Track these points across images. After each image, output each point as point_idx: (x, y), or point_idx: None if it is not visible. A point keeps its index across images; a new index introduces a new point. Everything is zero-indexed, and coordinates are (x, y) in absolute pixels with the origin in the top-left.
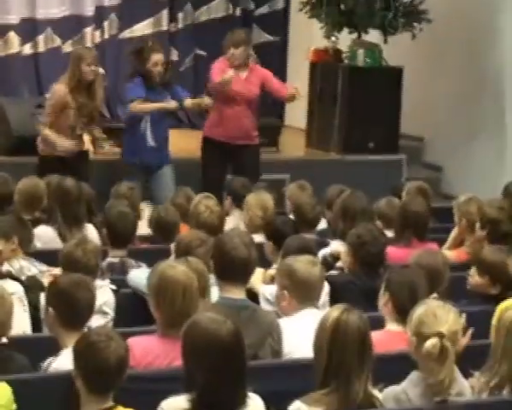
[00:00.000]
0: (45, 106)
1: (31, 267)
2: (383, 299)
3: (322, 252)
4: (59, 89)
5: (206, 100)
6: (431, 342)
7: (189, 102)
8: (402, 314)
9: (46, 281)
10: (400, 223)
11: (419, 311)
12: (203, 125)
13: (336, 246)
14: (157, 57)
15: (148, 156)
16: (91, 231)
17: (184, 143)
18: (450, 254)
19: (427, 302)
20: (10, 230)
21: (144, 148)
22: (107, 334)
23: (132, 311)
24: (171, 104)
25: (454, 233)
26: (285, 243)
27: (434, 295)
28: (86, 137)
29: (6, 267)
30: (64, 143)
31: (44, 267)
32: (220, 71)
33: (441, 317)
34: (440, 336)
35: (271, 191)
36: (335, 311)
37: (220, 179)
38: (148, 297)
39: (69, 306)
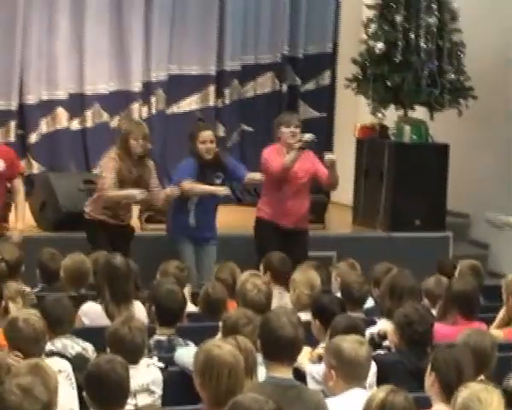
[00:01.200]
0: (101, 177)
1: (74, 345)
2: (430, 379)
3: (370, 331)
4: (108, 157)
5: (258, 175)
6: None
7: (248, 177)
8: (449, 394)
9: None
10: (445, 301)
11: (463, 394)
12: (250, 201)
13: (383, 325)
14: (205, 135)
15: (191, 233)
16: (139, 308)
17: (231, 219)
18: (499, 333)
19: (471, 386)
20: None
21: (187, 226)
22: None
23: (180, 389)
24: (221, 190)
25: (502, 312)
26: (333, 321)
27: (482, 377)
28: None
29: (49, 347)
30: (133, 192)
31: (89, 345)
32: (276, 153)
33: (486, 400)
34: None
35: (321, 269)
36: (381, 392)
37: None
38: (194, 376)
39: (98, 388)
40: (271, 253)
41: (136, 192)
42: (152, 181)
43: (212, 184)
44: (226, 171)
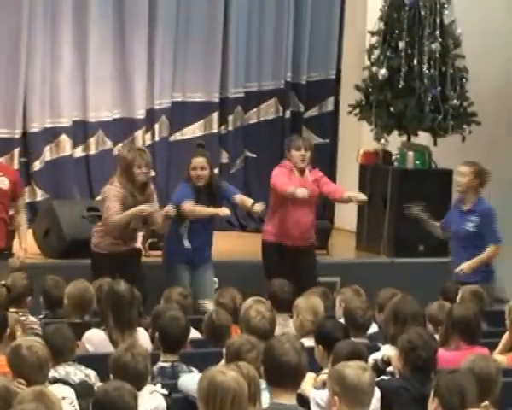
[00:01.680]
0: (105, 205)
1: (77, 372)
2: (433, 405)
3: (374, 356)
4: (109, 187)
5: (258, 207)
6: None
7: (238, 197)
8: None
9: None
10: (446, 326)
11: None
12: (253, 227)
13: (387, 350)
14: (196, 161)
15: (187, 257)
16: (143, 335)
17: (234, 245)
18: (502, 358)
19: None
20: None
21: (182, 250)
22: None
23: None
24: (221, 211)
25: (505, 338)
26: (335, 347)
27: (486, 403)
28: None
29: (52, 374)
30: (141, 206)
31: (92, 372)
32: (287, 174)
33: None
34: None
35: (327, 295)
36: None
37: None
38: (198, 402)
39: None
40: (273, 280)
41: (144, 206)
42: (152, 197)
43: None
44: (220, 192)
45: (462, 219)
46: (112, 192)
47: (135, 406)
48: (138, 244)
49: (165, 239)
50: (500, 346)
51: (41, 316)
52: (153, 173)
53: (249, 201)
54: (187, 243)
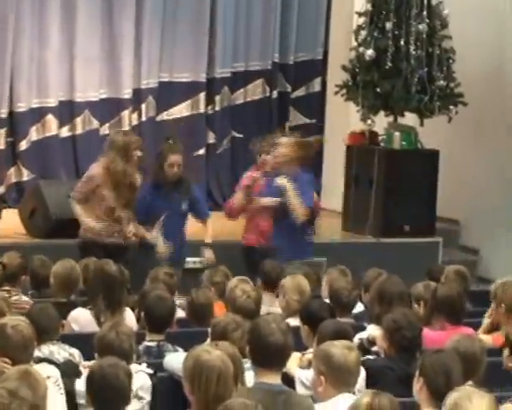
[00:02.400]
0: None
1: (60, 351)
2: (418, 384)
3: (359, 336)
4: (95, 167)
5: (207, 253)
6: None
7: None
8: (437, 399)
9: (85, 372)
10: (431, 307)
11: (455, 395)
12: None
13: (373, 330)
14: (173, 158)
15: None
16: (129, 315)
17: (222, 226)
18: (487, 338)
19: (465, 388)
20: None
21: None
22: None
23: (169, 395)
24: (152, 235)
25: (488, 317)
26: (320, 327)
27: (470, 382)
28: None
29: (36, 353)
30: (90, 224)
31: (76, 351)
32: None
33: (476, 402)
34: None
35: (312, 275)
36: (366, 396)
37: None
38: (183, 381)
39: (98, 391)
40: (265, 261)
41: (95, 225)
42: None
43: (171, 205)
44: (188, 195)
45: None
46: (92, 172)
47: (129, 383)
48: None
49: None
50: (484, 326)
51: (27, 295)
52: (139, 153)
53: (206, 236)
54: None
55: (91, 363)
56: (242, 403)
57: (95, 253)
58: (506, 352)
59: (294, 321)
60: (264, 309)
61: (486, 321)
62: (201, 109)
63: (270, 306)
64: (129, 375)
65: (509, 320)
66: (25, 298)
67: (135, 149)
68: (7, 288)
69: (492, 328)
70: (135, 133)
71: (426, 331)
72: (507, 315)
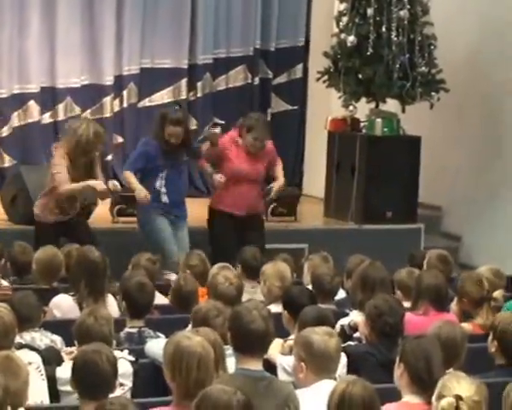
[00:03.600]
0: (53, 170)
1: (42, 338)
2: (398, 370)
3: (341, 322)
4: (58, 151)
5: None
6: (447, 401)
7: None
8: (418, 385)
9: (66, 358)
10: (416, 293)
11: (445, 377)
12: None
13: (356, 316)
14: (171, 130)
15: (164, 211)
16: (111, 301)
17: (203, 212)
18: (467, 326)
19: (456, 372)
20: None
21: (158, 205)
22: (122, 403)
23: (150, 381)
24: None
25: (454, 308)
26: (301, 313)
27: (451, 369)
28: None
29: (17, 340)
30: (92, 183)
31: (58, 337)
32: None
33: (464, 385)
34: (458, 398)
35: (291, 261)
36: (342, 383)
37: (231, 248)
38: (164, 367)
39: (82, 376)
40: (244, 248)
41: (96, 183)
42: (97, 171)
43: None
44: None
45: None
46: (59, 160)
47: (113, 369)
48: (103, 212)
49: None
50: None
51: (9, 281)
52: (120, 140)
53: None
54: (165, 198)
55: (72, 349)
56: (221, 389)
57: (46, 231)
58: (490, 337)
59: (276, 307)
60: (246, 297)
61: (454, 309)
62: (183, 96)
63: (254, 294)
64: (113, 361)
65: (476, 311)
66: (5, 283)
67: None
68: None
69: (462, 315)
70: (116, 119)
71: (409, 316)
72: (471, 306)
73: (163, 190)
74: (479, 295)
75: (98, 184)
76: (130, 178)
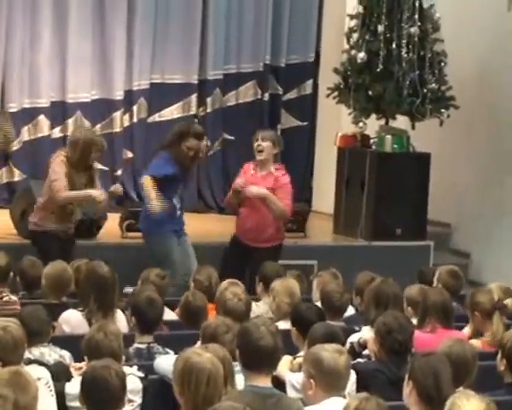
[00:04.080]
0: (51, 177)
1: (51, 353)
2: (407, 388)
3: (351, 339)
4: (57, 158)
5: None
6: None
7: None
8: (427, 403)
9: (75, 374)
10: (422, 311)
11: (455, 395)
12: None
13: (367, 333)
14: (193, 144)
15: (176, 224)
16: (120, 317)
17: (213, 227)
18: (477, 343)
19: (465, 391)
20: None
21: (174, 220)
22: None
23: (160, 397)
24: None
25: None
26: (311, 330)
27: (461, 388)
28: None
29: (26, 355)
30: (93, 192)
31: (66, 353)
32: (243, 173)
33: (474, 403)
34: None
35: (301, 278)
36: (355, 400)
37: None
38: (173, 383)
39: (91, 392)
40: (265, 263)
41: (97, 193)
42: (97, 183)
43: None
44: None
45: None
46: (58, 167)
47: (122, 385)
48: (112, 227)
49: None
50: (466, 333)
51: (18, 296)
52: (130, 155)
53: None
54: (178, 213)
55: (81, 364)
56: (230, 406)
57: (44, 241)
58: (499, 355)
59: (285, 324)
60: (263, 310)
61: (468, 331)
62: (193, 111)
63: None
64: (122, 376)
65: (486, 326)
66: (14, 298)
67: (97, 151)
68: None
69: (475, 334)
70: (126, 134)
71: (417, 334)
72: (483, 321)
73: (178, 205)
74: (490, 303)
75: (98, 194)
76: (151, 188)
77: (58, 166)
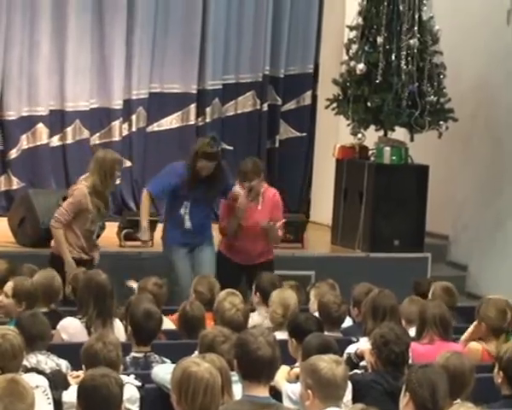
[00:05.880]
0: (64, 203)
1: (48, 361)
2: (404, 399)
3: (348, 350)
4: (81, 190)
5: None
6: None
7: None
8: None
9: (72, 382)
10: (420, 323)
11: (453, 407)
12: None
13: (364, 344)
14: (203, 164)
15: (187, 237)
16: (118, 326)
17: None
18: (477, 345)
19: (463, 403)
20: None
21: (182, 231)
22: None
23: (157, 407)
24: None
25: (472, 327)
26: (304, 341)
27: (458, 400)
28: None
29: (24, 362)
30: (72, 265)
31: (63, 361)
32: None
33: None
34: None
35: (299, 289)
36: None
37: None
38: (171, 392)
39: (88, 401)
40: (262, 273)
41: (74, 269)
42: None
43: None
44: (221, 186)
45: None
46: (78, 197)
47: (120, 394)
48: (112, 236)
49: (166, 223)
50: (466, 333)
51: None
52: (129, 164)
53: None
54: (188, 224)
55: (79, 373)
56: None
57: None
58: (496, 367)
59: (282, 335)
60: (258, 320)
61: (470, 330)
62: (192, 121)
63: (266, 319)
64: (120, 385)
65: (488, 338)
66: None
67: (118, 170)
68: None
69: (472, 339)
70: (125, 143)
71: (414, 345)
72: (486, 333)
73: (187, 216)
74: (500, 324)
75: (73, 271)
76: (145, 206)
77: (78, 196)
